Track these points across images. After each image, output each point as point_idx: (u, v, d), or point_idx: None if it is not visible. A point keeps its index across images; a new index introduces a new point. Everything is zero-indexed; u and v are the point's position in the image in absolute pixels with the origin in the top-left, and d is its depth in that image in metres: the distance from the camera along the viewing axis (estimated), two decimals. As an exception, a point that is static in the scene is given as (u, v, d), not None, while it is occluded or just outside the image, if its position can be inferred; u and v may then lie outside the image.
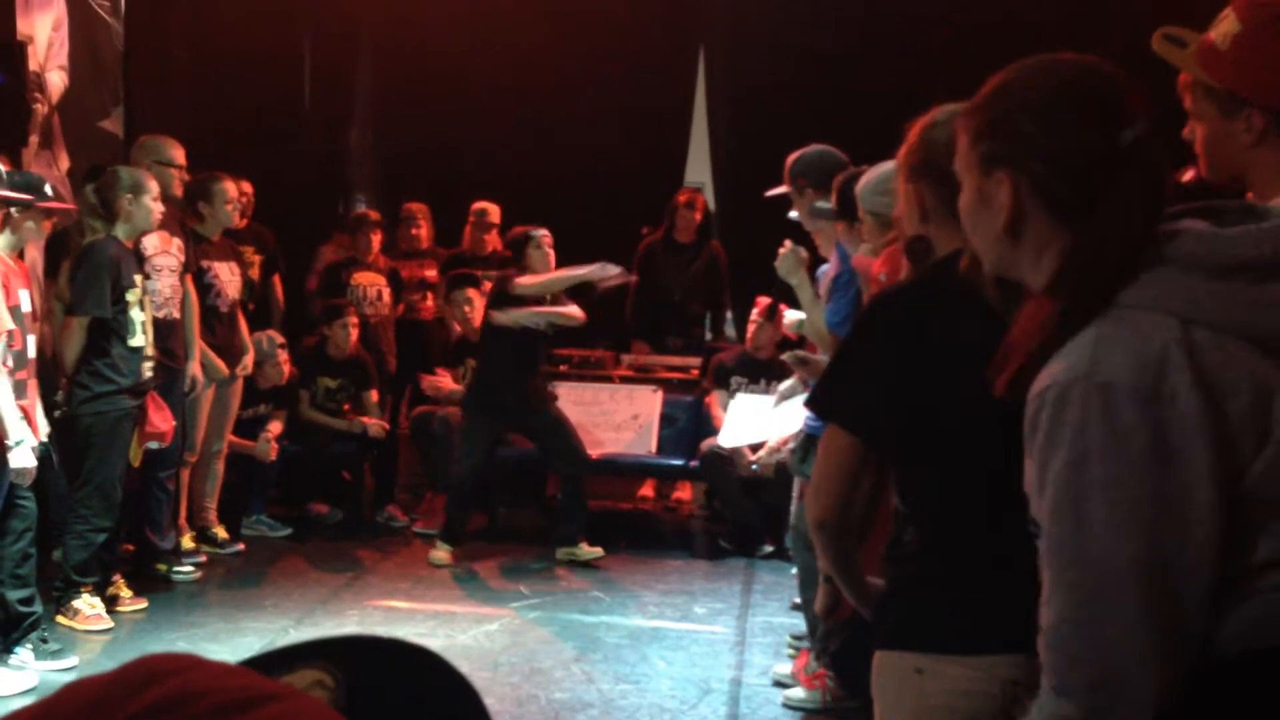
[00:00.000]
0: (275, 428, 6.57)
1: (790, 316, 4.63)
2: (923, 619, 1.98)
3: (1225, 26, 1.91)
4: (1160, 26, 1.93)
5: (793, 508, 4.50)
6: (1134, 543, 1.36)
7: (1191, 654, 1.39)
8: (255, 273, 6.91)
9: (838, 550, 2.12)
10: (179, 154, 5.70)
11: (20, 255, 4.80)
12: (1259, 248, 1.42)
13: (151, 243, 5.48)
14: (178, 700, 0.63)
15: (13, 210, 4.51)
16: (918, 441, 1.97)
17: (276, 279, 7.14)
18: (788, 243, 4.12)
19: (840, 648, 4.00)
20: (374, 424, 6.78)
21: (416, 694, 0.74)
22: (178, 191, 5.74)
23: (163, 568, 5.70)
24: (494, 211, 7.46)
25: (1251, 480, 1.39)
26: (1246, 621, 1.40)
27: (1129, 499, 1.36)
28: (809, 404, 2.22)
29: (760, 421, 5.95)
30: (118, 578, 5.29)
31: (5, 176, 4.51)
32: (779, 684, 4.59)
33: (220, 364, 5.97)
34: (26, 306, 4.57)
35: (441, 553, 6.14)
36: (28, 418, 4.40)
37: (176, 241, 5.66)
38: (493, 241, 7.43)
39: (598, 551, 6.10)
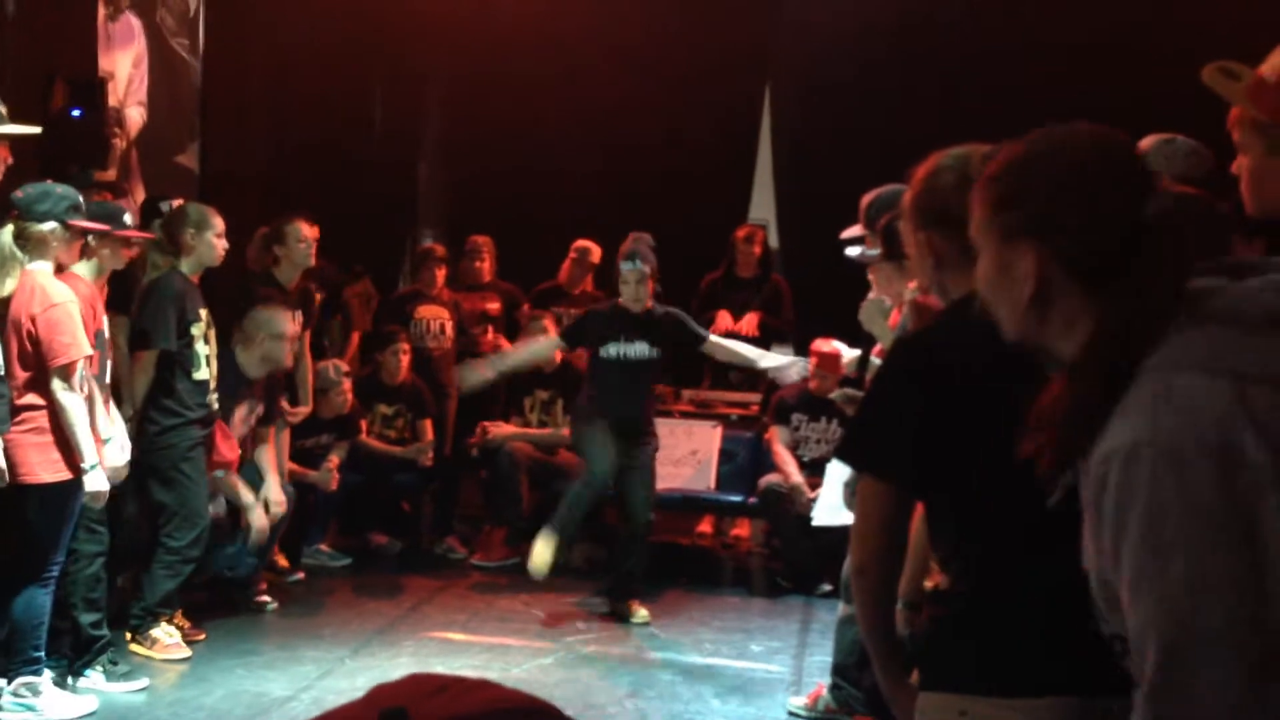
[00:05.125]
0: (337, 458, 6.65)
1: (848, 355, 4.58)
2: (966, 660, 1.95)
3: (1277, 60, 1.88)
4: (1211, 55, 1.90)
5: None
6: (1218, 605, 1.33)
7: None
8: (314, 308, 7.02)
9: (876, 600, 2.09)
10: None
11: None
12: None
13: None
14: None
15: (90, 239, 4.63)
16: (950, 485, 1.95)
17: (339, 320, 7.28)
18: (872, 293, 3.97)
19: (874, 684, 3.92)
20: (415, 448, 6.86)
21: None
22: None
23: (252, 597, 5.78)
24: (596, 252, 7.42)
25: None
26: None
27: (1208, 562, 1.34)
28: (839, 454, 2.21)
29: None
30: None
31: (85, 206, 4.64)
32: (793, 714, 4.59)
33: None
34: (107, 332, 4.68)
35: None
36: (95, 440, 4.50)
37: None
38: (587, 282, 7.44)
39: (644, 616, 5.83)
